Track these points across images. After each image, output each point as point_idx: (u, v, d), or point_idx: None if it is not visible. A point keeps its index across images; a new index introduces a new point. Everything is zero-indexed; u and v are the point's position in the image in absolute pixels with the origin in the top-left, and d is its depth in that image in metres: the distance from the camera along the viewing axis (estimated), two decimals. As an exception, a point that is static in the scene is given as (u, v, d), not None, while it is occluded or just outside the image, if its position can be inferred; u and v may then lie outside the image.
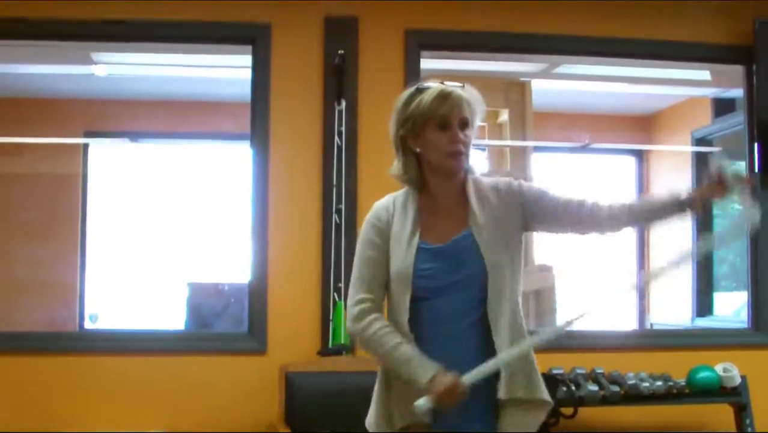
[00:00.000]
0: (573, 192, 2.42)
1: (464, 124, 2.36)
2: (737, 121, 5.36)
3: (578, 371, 4.19)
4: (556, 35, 4.63)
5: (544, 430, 3.91)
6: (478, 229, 2.35)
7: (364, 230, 2.44)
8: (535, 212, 2.40)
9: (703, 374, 4.25)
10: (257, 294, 4.34)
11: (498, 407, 2.34)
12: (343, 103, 4.36)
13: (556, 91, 6.23)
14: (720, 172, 2.27)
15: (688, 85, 6.14)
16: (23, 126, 6.04)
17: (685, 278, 6.53)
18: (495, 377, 2.30)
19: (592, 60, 5.16)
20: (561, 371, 4.15)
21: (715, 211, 6.61)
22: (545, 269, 5.86)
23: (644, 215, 2.38)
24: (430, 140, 2.35)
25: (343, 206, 4.31)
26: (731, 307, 6.28)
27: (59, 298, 6.45)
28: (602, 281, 6.93)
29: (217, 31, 4.43)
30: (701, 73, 5.63)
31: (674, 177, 6.80)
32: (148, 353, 4.29)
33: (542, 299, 5.73)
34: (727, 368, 4.28)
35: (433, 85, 2.36)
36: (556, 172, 6.90)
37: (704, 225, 6.53)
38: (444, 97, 2.34)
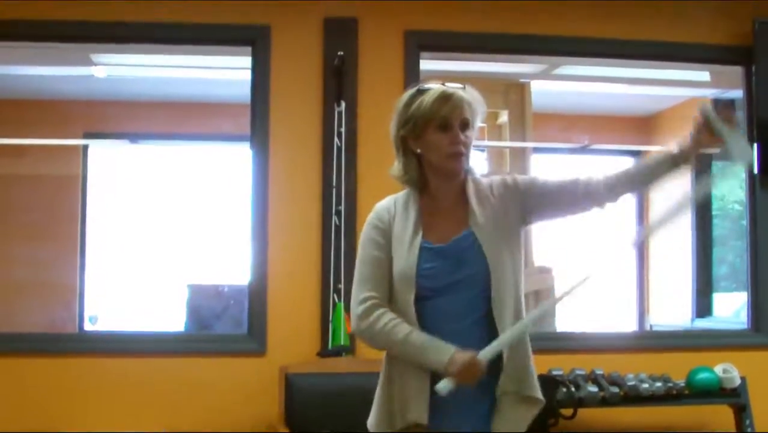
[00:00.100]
0: (564, 175, 2.44)
1: (465, 125, 2.37)
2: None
3: (578, 372, 4.19)
4: (555, 36, 4.63)
5: (543, 431, 3.94)
6: (478, 228, 2.37)
7: (365, 231, 2.45)
8: (532, 202, 2.42)
9: (703, 375, 4.25)
10: (257, 295, 4.34)
11: (495, 402, 2.36)
12: (343, 105, 4.36)
13: (555, 92, 6.23)
14: (704, 117, 2.29)
15: (687, 86, 6.14)
16: (23, 127, 6.04)
17: (684, 279, 6.54)
18: (494, 374, 2.32)
19: (591, 61, 5.17)
20: (560, 372, 4.15)
21: (715, 212, 6.64)
22: (545, 271, 5.86)
23: (640, 178, 2.40)
24: (431, 141, 2.36)
25: (342, 207, 4.31)
26: (731, 308, 6.28)
27: (59, 299, 6.45)
28: (602, 282, 6.93)
29: (216, 32, 4.43)
30: (701, 74, 5.63)
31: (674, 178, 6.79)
32: (147, 355, 4.29)
33: (542, 300, 5.73)
34: (726, 369, 4.28)
35: (434, 87, 2.37)
36: (556, 174, 6.89)
37: (703, 226, 6.56)
38: (445, 98, 2.35)
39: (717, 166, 6.07)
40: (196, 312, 6.23)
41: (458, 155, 2.36)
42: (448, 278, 2.34)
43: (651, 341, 5.14)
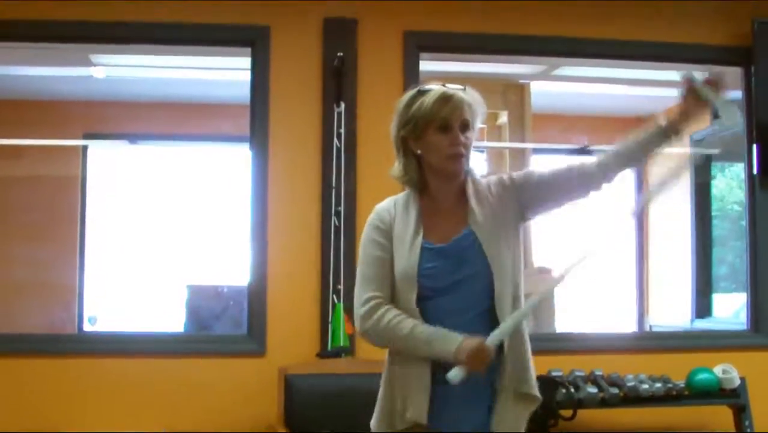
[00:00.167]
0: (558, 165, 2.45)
1: (465, 126, 2.37)
2: (736, 122, 5.36)
3: (577, 373, 4.19)
4: (554, 37, 4.64)
5: (543, 432, 3.94)
6: (478, 227, 2.37)
7: (367, 232, 2.45)
8: (529, 195, 2.43)
9: (703, 376, 4.25)
10: (256, 296, 4.34)
11: (494, 399, 2.36)
12: (342, 105, 4.36)
13: (555, 93, 6.24)
14: (689, 84, 2.29)
15: (687, 87, 6.13)
16: (22, 128, 6.04)
17: (684, 280, 6.53)
18: (494, 372, 2.33)
19: (590, 62, 5.17)
20: (560, 373, 4.15)
21: (714, 212, 6.64)
22: (544, 271, 5.86)
23: (632, 156, 2.41)
24: (431, 142, 2.37)
25: (342, 208, 4.31)
26: (730, 308, 6.28)
27: (58, 300, 6.45)
28: (601, 283, 6.93)
29: (216, 33, 4.43)
30: (700, 74, 5.62)
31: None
32: (147, 355, 4.29)
33: (541, 300, 5.73)
34: (726, 370, 4.28)
35: (435, 88, 2.38)
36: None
37: (703, 226, 6.56)
38: (445, 99, 2.35)
39: (716, 166, 6.07)
40: (195, 313, 6.23)
41: (458, 156, 2.36)
42: (450, 278, 2.35)
43: (650, 342, 5.14)
